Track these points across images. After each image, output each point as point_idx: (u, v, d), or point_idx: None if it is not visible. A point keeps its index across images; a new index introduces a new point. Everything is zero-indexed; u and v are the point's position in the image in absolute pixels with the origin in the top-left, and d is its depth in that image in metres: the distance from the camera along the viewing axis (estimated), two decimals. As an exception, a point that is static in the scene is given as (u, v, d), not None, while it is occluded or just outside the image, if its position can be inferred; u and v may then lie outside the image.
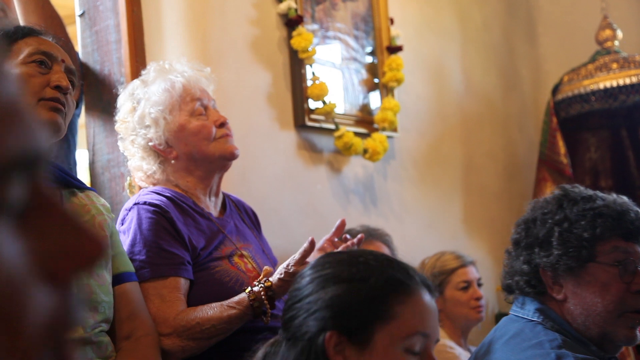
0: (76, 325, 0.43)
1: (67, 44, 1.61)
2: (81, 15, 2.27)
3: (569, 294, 1.47)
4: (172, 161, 1.80)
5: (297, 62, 2.65)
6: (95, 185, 2.21)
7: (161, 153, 1.79)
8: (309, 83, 2.65)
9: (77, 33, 2.30)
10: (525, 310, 1.51)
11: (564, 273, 1.46)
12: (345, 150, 2.73)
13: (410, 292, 1.07)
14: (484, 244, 3.37)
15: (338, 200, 2.79)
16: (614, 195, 1.52)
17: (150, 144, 1.79)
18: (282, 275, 1.61)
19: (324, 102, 2.65)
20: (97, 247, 0.42)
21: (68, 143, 1.65)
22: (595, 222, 1.45)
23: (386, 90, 2.99)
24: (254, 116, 2.49)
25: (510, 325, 1.51)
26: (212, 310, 1.61)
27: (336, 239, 1.71)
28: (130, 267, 1.62)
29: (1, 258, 0.38)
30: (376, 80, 3.00)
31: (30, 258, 0.40)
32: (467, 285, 2.67)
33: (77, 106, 2.10)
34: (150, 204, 1.69)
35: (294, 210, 2.60)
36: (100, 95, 2.22)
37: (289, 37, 2.64)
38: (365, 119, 2.91)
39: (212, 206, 1.86)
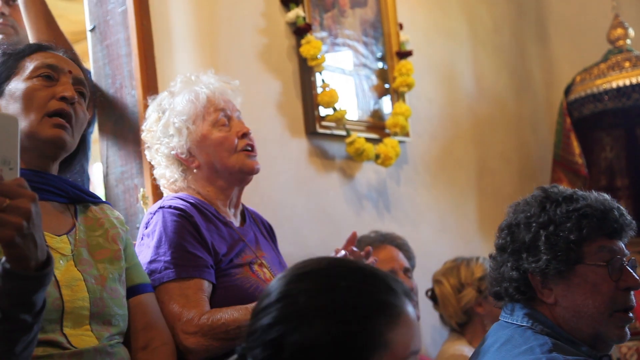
0: None
1: (76, 57, 1.62)
2: (92, 30, 2.30)
3: (559, 297, 1.47)
4: (195, 170, 1.85)
5: (306, 70, 2.66)
6: (109, 197, 2.23)
7: (184, 162, 1.84)
8: (319, 90, 2.66)
9: (88, 48, 2.33)
10: (515, 316, 1.51)
11: (554, 277, 1.46)
12: (357, 156, 2.74)
13: (400, 314, 0.97)
14: (500, 246, 3.35)
15: (351, 206, 2.79)
16: (595, 193, 1.51)
17: (173, 152, 1.84)
18: None
19: (335, 109, 2.66)
20: None
21: (80, 157, 1.65)
22: (580, 224, 1.45)
23: (397, 95, 3.00)
24: (265, 125, 2.51)
25: (501, 332, 1.51)
26: (238, 312, 1.62)
27: (344, 252, 1.71)
28: (145, 279, 1.62)
29: None
30: (387, 86, 3.00)
31: None
32: None
33: (90, 124, 2.11)
34: (176, 208, 1.73)
35: (307, 218, 2.60)
36: (112, 108, 2.24)
37: (298, 45, 2.65)
38: (377, 125, 2.92)
39: (232, 216, 1.89)
